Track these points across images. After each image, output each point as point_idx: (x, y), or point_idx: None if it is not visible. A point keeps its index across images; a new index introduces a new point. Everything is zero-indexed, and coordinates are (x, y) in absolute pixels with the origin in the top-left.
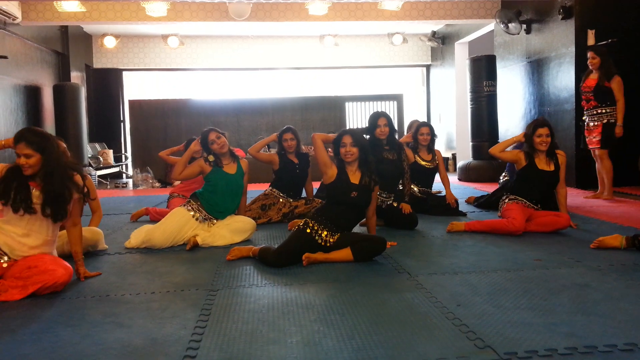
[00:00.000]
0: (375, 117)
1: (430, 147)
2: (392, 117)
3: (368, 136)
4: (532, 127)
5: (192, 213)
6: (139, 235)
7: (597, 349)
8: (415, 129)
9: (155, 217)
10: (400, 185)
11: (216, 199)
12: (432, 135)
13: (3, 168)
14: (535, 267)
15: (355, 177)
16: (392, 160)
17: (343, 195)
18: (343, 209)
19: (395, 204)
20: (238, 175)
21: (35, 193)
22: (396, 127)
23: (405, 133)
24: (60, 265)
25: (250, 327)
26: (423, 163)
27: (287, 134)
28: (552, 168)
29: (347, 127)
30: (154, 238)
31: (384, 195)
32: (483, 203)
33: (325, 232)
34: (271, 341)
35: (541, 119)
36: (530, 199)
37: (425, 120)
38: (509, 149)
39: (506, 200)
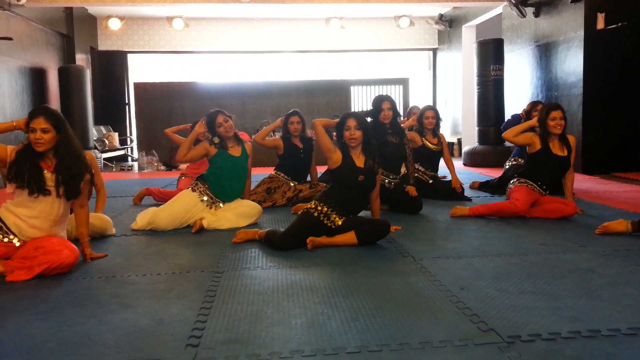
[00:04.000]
0: (379, 101)
1: (435, 131)
2: (397, 101)
3: (371, 119)
4: (546, 111)
5: (199, 197)
6: (145, 216)
7: (600, 333)
8: (420, 112)
9: (159, 198)
10: (404, 169)
11: (222, 182)
12: (437, 119)
13: (12, 151)
14: (540, 252)
15: (360, 161)
16: (395, 143)
17: (350, 179)
18: (351, 193)
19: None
20: (243, 158)
21: (48, 175)
22: (402, 112)
23: (403, 118)
24: (66, 246)
25: (255, 309)
26: (431, 146)
27: (293, 117)
28: (565, 153)
29: (357, 110)
30: (160, 219)
31: (391, 177)
32: (491, 186)
33: (334, 215)
34: (276, 322)
35: (554, 103)
36: (540, 184)
37: (430, 104)
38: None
39: (516, 182)
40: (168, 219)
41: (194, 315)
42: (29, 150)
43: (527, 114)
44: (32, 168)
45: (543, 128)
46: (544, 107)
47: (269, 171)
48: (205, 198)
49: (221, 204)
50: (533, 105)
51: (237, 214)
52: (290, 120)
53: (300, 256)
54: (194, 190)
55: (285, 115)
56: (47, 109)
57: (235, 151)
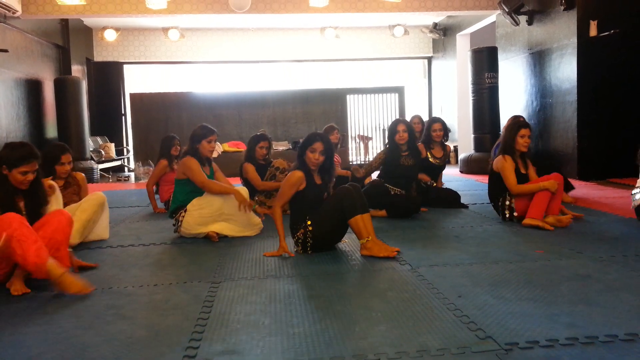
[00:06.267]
0: (395, 124)
1: (442, 143)
2: (393, 109)
3: (388, 141)
4: (516, 128)
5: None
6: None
7: (598, 339)
8: (428, 124)
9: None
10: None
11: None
12: (445, 130)
13: None
14: (537, 259)
15: (318, 178)
16: (408, 166)
17: (318, 200)
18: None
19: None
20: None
21: (21, 204)
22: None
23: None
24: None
25: (252, 319)
26: (432, 160)
27: (263, 142)
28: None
29: (353, 119)
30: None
31: (397, 190)
32: None
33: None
34: (273, 332)
35: (517, 121)
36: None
37: (437, 116)
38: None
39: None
40: (224, 224)
41: (191, 325)
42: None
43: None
44: (8, 197)
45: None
46: (513, 124)
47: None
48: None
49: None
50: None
51: (242, 223)
52: (261, 145)
53: (298, 265)
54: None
55: (255, 138)
56: (36, 151)
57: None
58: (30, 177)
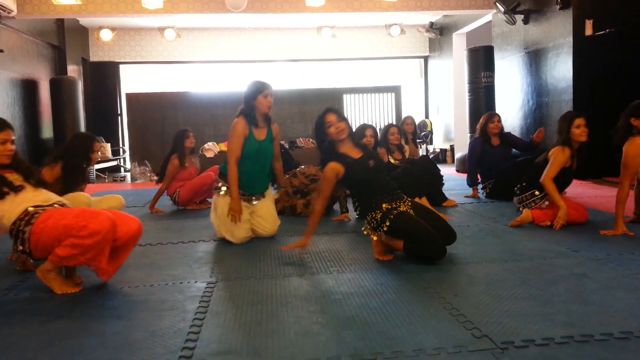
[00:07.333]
0: (363, 128)
1: (400, 147)
2: (390, 109)
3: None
4: (569, 120)
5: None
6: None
7: (593, 337)
8: (385, 129)
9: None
10: None
11: (244, 173)
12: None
13: None
14: (533, 258)
15: (355, 153)
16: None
17: (365, 174)
18: (376, 183)
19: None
20: (268, 141)
21: (14, 176)
22: (394, 121)
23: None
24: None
25: (248, 319)
26: (395, 162)
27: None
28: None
29: (350, 119)
30: (230, 235)
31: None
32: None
33: (402, 205)
34: (270, 333)
35: (571, 113)
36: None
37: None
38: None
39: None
40: (237, 230)
41: (187, 326)
42: None
43: (484, 127)
44: None
45: (568, 139)
46: (566, 117)
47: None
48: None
49: (253, 201)
50: (489, 117)
51: (267, 217)
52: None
53: (294, 265)
54: (222, 193)
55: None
56: (5, 121)
57: (260, 134)
58: (10, 146)
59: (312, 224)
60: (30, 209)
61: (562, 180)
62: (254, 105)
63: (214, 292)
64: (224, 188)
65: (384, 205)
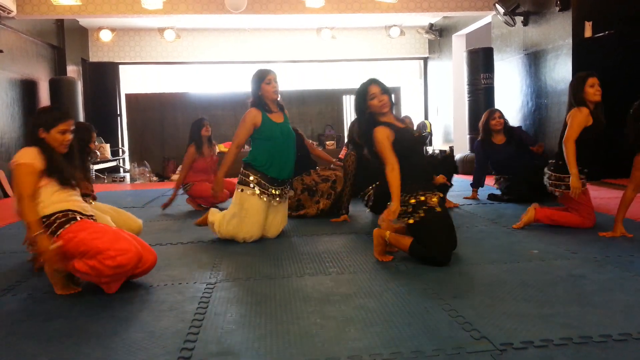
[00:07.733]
0: (354, 125)
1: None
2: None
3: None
4: (582, 80)
5: (265, 199)
6: (225, 230)
7: (592, 339)
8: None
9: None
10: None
11: (275, 158)
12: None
13: (36, 154)
14: (532, 259)
15: (398, 123)
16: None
17: (411, 143)
18: (417, 158)
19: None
20: (287, 124)
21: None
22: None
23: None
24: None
25: (247, 320)
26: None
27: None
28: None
29: (349, 119)
30: (245, 232)
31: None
32: (509, 194)
33: (433, 197)
34: (268, 333)
35: (583, 73)
36: (585, 169)
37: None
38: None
39: (565, 185)
40: (255, 229)
41: (186, 327)
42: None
43: (485, 125)
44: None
45: (581, 100)
46: (579, 77)
47: None
48: (268, 198)
49: (277, 194)
50: (490, 114)
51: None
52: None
53: (293, 265)
54: (255, 194)
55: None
56: (68, 110)
57: (277, 117)
58: (69, 136)
59: (396, 188)
60: (71, 213)
61: (588, 152)
62: (260, 95)
63: (213, 293)
64: (251, 186)
65: (419, 194)
